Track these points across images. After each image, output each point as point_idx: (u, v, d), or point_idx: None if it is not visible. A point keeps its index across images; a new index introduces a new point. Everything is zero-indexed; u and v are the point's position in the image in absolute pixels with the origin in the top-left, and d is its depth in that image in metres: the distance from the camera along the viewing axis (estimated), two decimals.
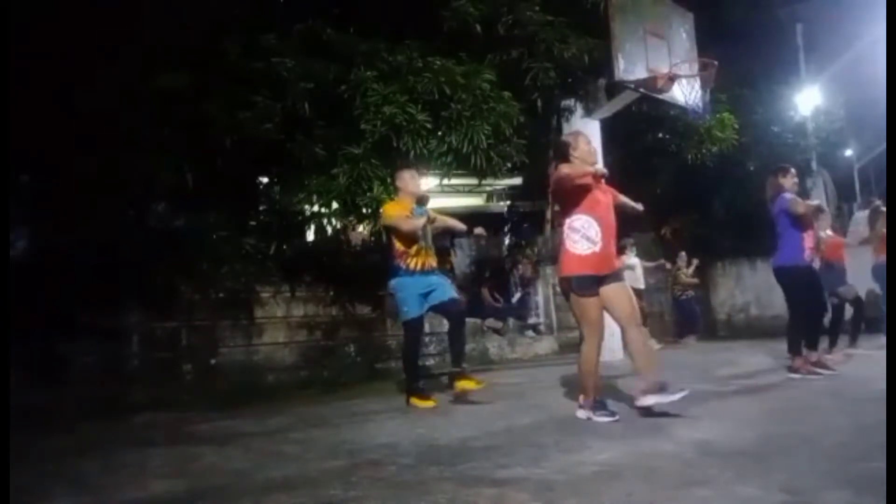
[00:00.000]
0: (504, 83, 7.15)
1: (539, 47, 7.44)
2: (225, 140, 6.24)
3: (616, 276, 4.11)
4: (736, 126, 10.22)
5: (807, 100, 12.95)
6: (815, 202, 6.25)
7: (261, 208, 7.37)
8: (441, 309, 5.13)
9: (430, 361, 7.46)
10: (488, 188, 12.26)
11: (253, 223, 7.12)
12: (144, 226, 6.28)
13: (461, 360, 5.14)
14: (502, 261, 10.55)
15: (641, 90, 7.80)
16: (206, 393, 5.87)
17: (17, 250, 5.61)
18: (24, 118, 4.84)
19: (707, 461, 2.89)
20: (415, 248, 5.01)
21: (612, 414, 3.93)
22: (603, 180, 4.15)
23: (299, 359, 6.96)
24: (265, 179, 7.43)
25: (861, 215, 9.83)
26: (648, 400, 3.92)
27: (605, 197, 4.14)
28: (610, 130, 8.59)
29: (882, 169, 14.71)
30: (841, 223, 11.11)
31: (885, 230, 6.90)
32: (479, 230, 5.40)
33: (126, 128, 5.78)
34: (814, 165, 12.64)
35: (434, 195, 6.53)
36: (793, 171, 5.85)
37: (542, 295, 10.18)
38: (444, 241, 7.78)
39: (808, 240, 5.59)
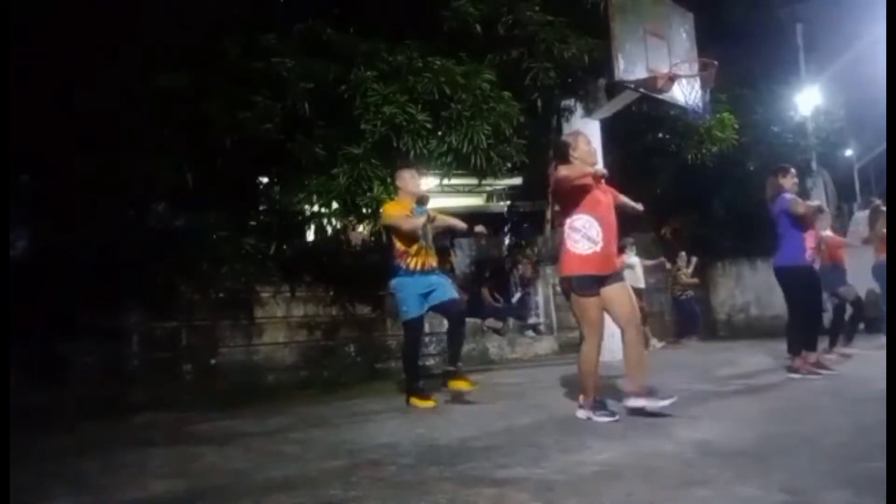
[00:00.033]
0: (504, 83, 7.15)
1: (539, 47, 7.44)
2: (225, 140, 6.24)
3: (618, 276, 4.11)
4: (736, 126, 10.21)
5: (807, 100, 12.94)
6: (815, 203, 6.25)
7: (261, 208, 7.37)
8: (441, 309, 5.13)
9: (430, 361, 7.46)
10: (488, 188, 12.25)
11: (253, 223, 7.12)
12: (144, 226, 6.28)
13: (457, 360, 5.16)
14: (502, 261, 10.56)
15: (641, 90, 7.80)
16: (206, 393, 5.87)
17: (17, 250, 5.61)
18: (24, 118, 4.84)
19: (707, 461, 2.89)
20: (415, 247, 5.00)
21: (612, 414, 3.93)
22: (603, 180, 4.15)
23: (299, 359, 6.97)
24: (265, 179, 7.43)
25: (861, 215, 9.84)
26: (639, 402, 3.95)
27: (606, 197, 4.14)
28: (610, 130, 8.58)
29: (882, 169, 14.71)
30: (841, 223, 11.11)
31: (885, 230, 6.90)
32: (479, 228, 5.40)
33: (126, 128, 5.78)
34: (814, 165, 12.64)
35: (434, 195, 6.54)
36: (793, 171, 5.85)
37: (542, 295, 10.18)
38: (443, 240, 7.78)
39: (809, 240, 5.59)
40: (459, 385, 5.06)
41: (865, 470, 2.58)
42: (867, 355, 6.88)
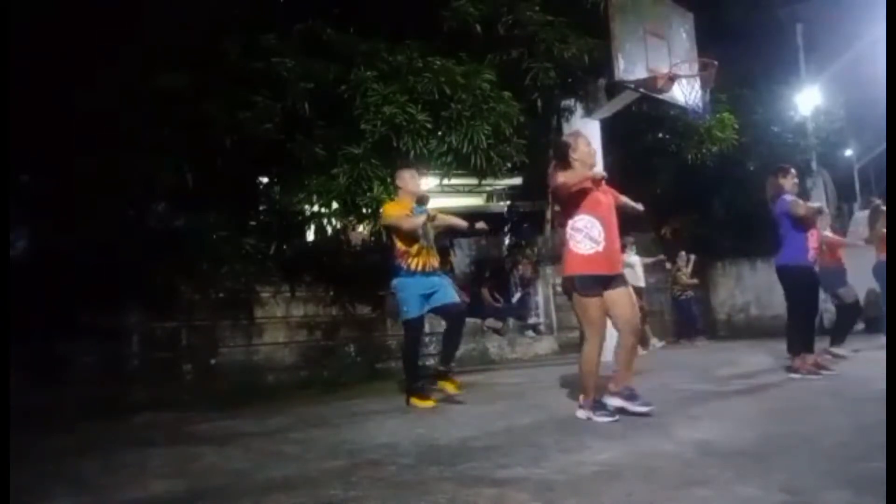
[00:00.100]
0: (504, 83, 7.15)
1: (539, 47, 7.43)
2: (225, 140, 6.23)
3: (622, 280, 4.12)
4: (736, 126, 10.21)
5: (807, 100, 12.94)
6: (816, 205, 6.24)
7: (261, 208, 7.37)
8: (442, 311, 5.13)
9: (430, 361, 7.44)
10: (488, 188, 12.24)
11: (253, 223, 7.12)
12: (144, 226, 6.28)
13: (450, 361, 5.21)
14: (502, 261, 10.56)
15: (641, 90, 7.80)
16: (206, 393, 5.88)
17: (17, 250, 5.61)
18: (24, 118, 4.84)
19: (707, 461, 2.89)
20: (416, 247, 5.00)
21: (612, 414, 3.94)
22: (603, 181, 4.16)
23: (299, 359, 6.97)
24: (265, 179, 7.43)
25: (861, 215, 9.84)
26: (616, 401, 3.98)
27: (606, 198, 4.15)
28: (610, 130, 8.58)
29: (882, 169, 14.68)
30: (841, 223, 11.11)
31: (885, 230, 6.90)
32: (480, 224, 5.40)
33: (126, 128, 5.78)
34: (814, 165, 12.62)
35: (434, 195, 6.53)
36: (793, 171, 5.85)
37: (542, 295, 10.19)
38: (443, 240, 7.78)
39: (811, 240, 5.61)
40: (447, 386, 5.13)
41: (865, 470, 2.58)
42: (867, 355, 6.88)
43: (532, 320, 9.99)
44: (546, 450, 3.28)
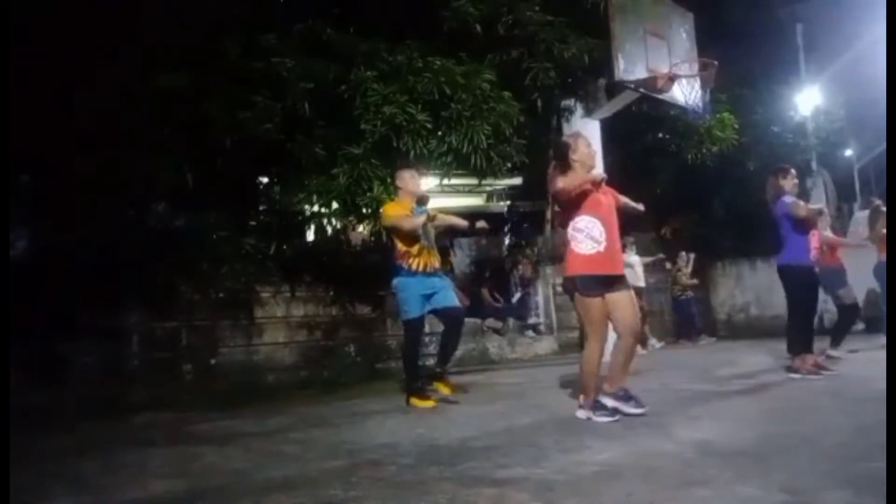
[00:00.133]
0: (504, 83, 7.15)
1: (539, 47, 7.44)
2: (225, 140, 6.24)
3: (624, 282, 4.11)
4: (736, 126, 10.22)
5: (807, 100, 12.94)
6: (816, 206, 6.24)
7: (261, 208, 7.37)
8: (441, 314, 5.14)
9: (431, 361, 7.44)
10: (488, 188, 12.25)
11: (253, 223, 7.12)
12: (144, 226, 6.28)
13: (445, 363, 5.26)
14: (502, 261, 10.56)
15: (641, 90, 7.80)
16: (206, 393, 5.88)
17: (17, 250, 5.61)
18: (24, 118, 4.84)
19: (707, 461, 2.89)
20: (416, 247, 5.00)
21: (613, 414, 3.94)
22: (603, 182, 4.16)
23: (299, 359, 6.97)
24: (265, 179, 7.43)
25: (861, 215, 9.82)
26: (608, 402, 3.99)
27: (607, 199, 4.15)
28: (610, 130, 8.58)
29: (882, 169, 14.68)
30: (841, 223, 11.11)
31: (885, 230, 6.89)
32: (481, 223, 5.40)
33: (126, 128, 5.78)
34: (814, 165, 12.63)
35: (434, 195, 6.53)
36: (793, 171, 5.84)
37: (542, 295, 10.18)
38: (443, 240, 7.78)
39: (813, 240, 5.61)
40: (441, 388, 5.18)
41: (865, 470, 2.58)
42: (867, 355, 6.88)
43: (532, 320, 9.98)
44: (546, 450, 3.27)
